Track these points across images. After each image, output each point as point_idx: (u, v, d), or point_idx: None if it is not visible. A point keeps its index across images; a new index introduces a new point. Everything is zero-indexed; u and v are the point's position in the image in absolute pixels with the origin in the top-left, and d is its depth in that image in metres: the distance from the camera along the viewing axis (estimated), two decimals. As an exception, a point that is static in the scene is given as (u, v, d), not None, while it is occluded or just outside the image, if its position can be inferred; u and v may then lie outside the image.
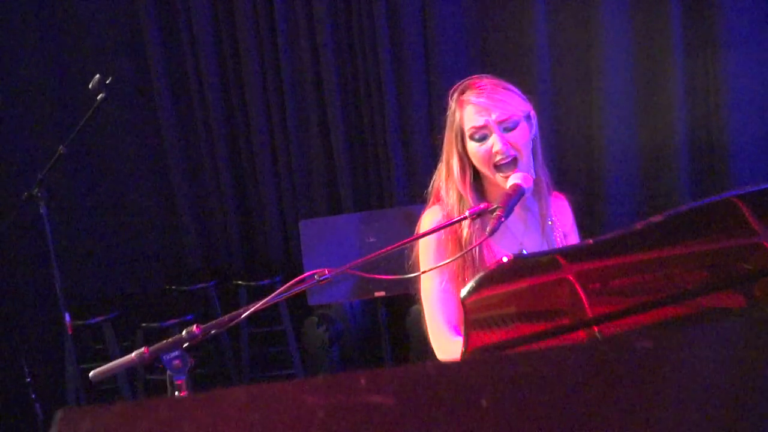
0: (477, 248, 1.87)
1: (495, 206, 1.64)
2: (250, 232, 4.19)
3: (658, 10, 3.28)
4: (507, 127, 1.81)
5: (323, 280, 1.65)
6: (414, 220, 3.14)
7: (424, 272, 1.79)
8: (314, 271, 1.68)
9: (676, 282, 1.54)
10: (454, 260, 1.68)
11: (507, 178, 1.78)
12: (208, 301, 3.87)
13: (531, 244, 1.95)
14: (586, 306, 1.42)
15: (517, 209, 1.92)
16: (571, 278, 1.43)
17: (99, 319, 3.50)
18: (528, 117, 1.87)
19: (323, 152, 3.93)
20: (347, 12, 3.73)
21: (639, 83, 3.41)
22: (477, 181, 1.92)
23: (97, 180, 4.08)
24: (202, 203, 4.18)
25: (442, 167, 1.97)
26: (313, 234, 3.15)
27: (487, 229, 1.59)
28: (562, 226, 2.01)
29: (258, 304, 1.67)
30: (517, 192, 1.71)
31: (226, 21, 3.91)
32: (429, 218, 1.95)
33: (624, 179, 3.50)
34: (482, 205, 1.66)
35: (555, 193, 2.05)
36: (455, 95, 1.89)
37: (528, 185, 1.74)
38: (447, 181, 1.94)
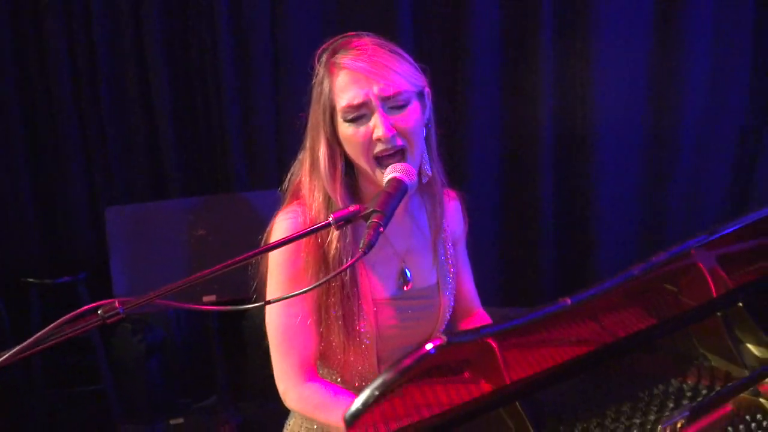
0: (348, 272, 1.40)
1: (370, 209, 1.17)
2: (49, 219, 3.41)
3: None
4: (394, 105, 1.33)
5: (111, 317, 1.10)
6: (255, 209, 2.64)
7: (269, 302, 1.27)
8: (101, 302, 1.12)
9: (600, 324, 1.19)
10: (312, 288, 1.18)
11: None
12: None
13: (416, 260, 1.51)
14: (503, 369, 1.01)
15: (399, 215, 1.47)
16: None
17: None
18: (421, 94, 1.40)
19: (144, 125, 3.27)
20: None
21: (507, 69, 3.13)
22: (350, 176, 1.44)
23: None
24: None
25: (305, 156, 1.45)
26: (124, 224, 2.52)
27: (362, 242, 1.12)
28: (452, 230, 1.60)
29: (4, 356, 1.09)
30: (398, 189, 1.26)
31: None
32: (283, 224, 1.43)
33: (487, 168, 3.22)
34: (352, 208, 1.18)
35: (447, 190, 1.60)
36: (324, 57, 1.38)
37: (411, 179, 1.29)
38: (311, 175, 1.43)
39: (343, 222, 1.17)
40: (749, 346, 1.33)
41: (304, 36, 3.05)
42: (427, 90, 1.42)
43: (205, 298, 2.54)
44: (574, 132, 3.16)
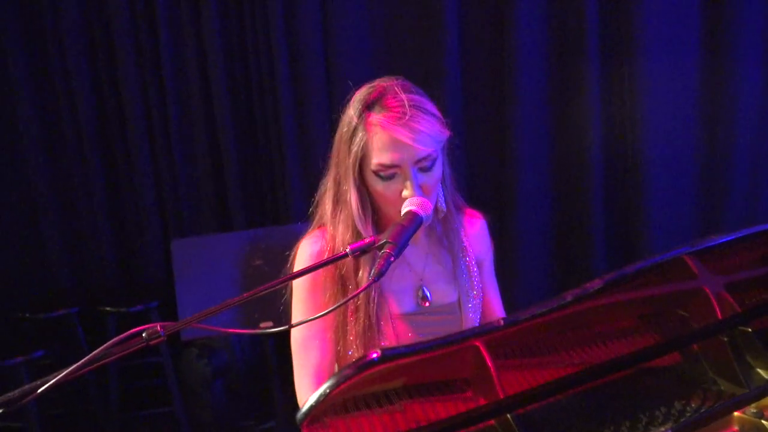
0: (366, 290, 1.51)
1: (383, 241, 1.28)
2: (126, 250, 3.69)
3: (574, 11, 3.05)
4: (424, 166, 1.44)
5: (153, 339, 1.24)
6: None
7: (291, 326, 1.40)
8: (144, 327, 1.26)
9: (606, 341, 1.26)
10: (328, 312, 1.30)
11: None
12: (70, 331, 3.34)
13: (435, 279, 1.61)
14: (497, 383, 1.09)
15: (417, 237, 1.59)
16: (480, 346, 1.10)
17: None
18: (444, 147, 1.51)
19: (211, 162, 3.51)
20: (238, 10, 3.31)
21: (553, 89, 3.18)
22: (373, 209, 1.55)
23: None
24: (69, 215, 3.65)
25: (329, 188, 1.58)
26: (188, 255, 2.72)
27: (372, 270, 1.23)
28: (477, 252, 1.69)
29: (61, 375, 1.24)
30: (413, 222, 1.36)
31: (97, 22, 3.41)
32: (306, 250, 1.58)
33: (536, 189, 3.27)
34: (368, 240, 1.29)
35: (469, 211, 1.71)
36: (360, 108, 1.47)
37: (426, 212, 1.40)
38: (335, 207, 1.56)
39: (359, 252, 1.29)
40: (759, 371, 1.35)
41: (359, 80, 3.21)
42: (449, 136, 1.53)
43: (263, 324, 2.70)
44: (625, 155, 3.17)
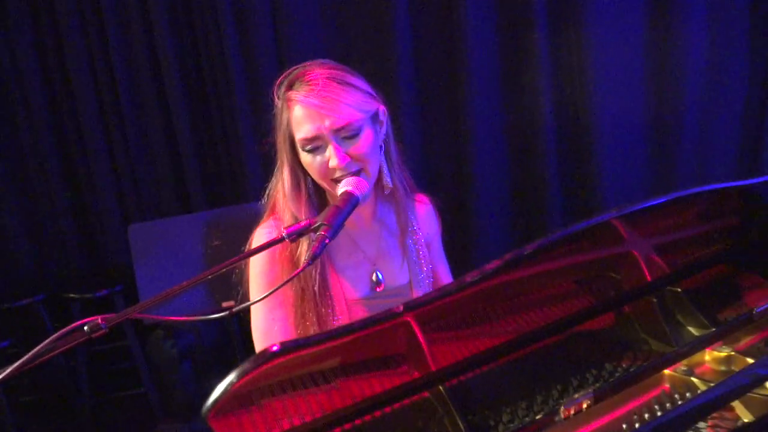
0: (317, 274, 1.55)
1: (318, 223, 1.30)
2: (88, 236, 3.67)
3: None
4: (346, 135, 1.45)
5: (95, 332, 1.25)
6: (264, 219, 2.81)
7: (232, 313, 1.41)
8: (86, 320, 1.27)
9: (538, 308, 1.30)
10: (269, 294, 1.32)
11: None
12: (35, 319, 3.33)
13: (387, 263, 1.64)
14: (428, 356, 1.13)
15: (367, 222, 1.64)
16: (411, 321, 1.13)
17: None
18: (374, 117, 1.52)
19: (166, 143, 3.49)
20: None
21: (504, 59, 3.19)
22: (319, 192, 1.58)
23: None
24: (28, 204, 3.62)
25: (278, 176, 1.60)
26: (146, 239, 2.72)
27: (307, 253, 1.25)
28: (426, 233, 1.72)
29: (5, 372, 1.25)
30: (348, 203, 1.38)
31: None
32: (260, 239, 1.59)
33: (492, 164, 3.30)
34: (303, 223, 1.31)
35: (419, 195, 1.74)
36: (282, 89, 1.50)
37: (361, 191, 1.42)
38: (281, 194, 1.58)
39: (295, 235, 1.31)
40: (690, 329, 1.41)
41: (309, 45, 3.19)
42: (381, 110, 1.55)
43: (224, 304, 2.72)
44: (576, 118, 3.21)
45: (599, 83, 3.11)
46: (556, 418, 1.06)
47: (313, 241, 1.28)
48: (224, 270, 1.32)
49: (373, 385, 1.14)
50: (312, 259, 1.25)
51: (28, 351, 1.24)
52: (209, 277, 1.27)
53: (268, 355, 0.84)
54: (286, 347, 0.85)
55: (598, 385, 1.22)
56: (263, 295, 1.25)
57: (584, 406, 1.09)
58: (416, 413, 1.15)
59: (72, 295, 3.30)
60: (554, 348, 1.31)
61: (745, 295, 1.47)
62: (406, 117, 3.18)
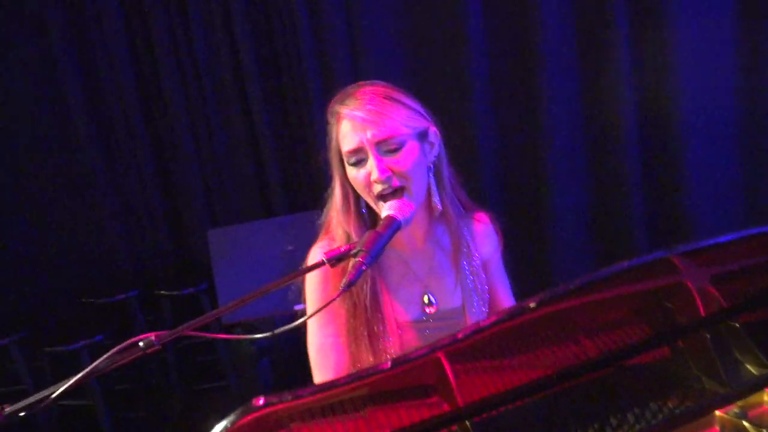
0: (369, 292, 1.58)
1: (357, 249, 1.32)
2: (178, 237, 3.89)
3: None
4: (388, 148, 1.46)
5: (151, 348, 1.33)
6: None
7: (278, 331, 1.46)
8: (141, 337, 1.36)
9: (579, 340, 1.26)
10: (309, 317, 1.36)
11: None
12: (129, 315, 3.56)
13: (439, 284, 1.64)
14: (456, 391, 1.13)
15: (420, 243, 1.65)
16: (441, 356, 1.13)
17: (5, 341, 3.20)
18: (421, 135, 1.52)
19: (249, 153, 3.64)
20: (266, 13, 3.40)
21: (582, 62, 3.10)
22: (371, 209, 1.59)
23: (4, 183, 3.73)
24: (127, 206, 3.88)
25: (330, 193, 1.64)
26: (223, 244, 2.85)
27: (344, 280, 1.28)
28: (483, 253, 1.70)
29: (70, 382, 1.35)
30: (390, 227, 1.40)
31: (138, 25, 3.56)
32: (315, 257, 1.64)
33: (571, 170, 3.22)
34: (343, 248, 1.34)
35: (478, 214, 1.72)
36: (334, 106, 1.54)
37: (404, 215, 1.43)
38: (332, 211, 1.62)
39: (334, 260, 1.34)
40: (748, 366, 1.32)
41: (385, 68, 3.22)
42: (432, 130, 1.55)
43: (296, 307, 2.81)
44: (661, 126, 3.06)
45: (685, 82, 2.96)
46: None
47: (350, 268, 1.30)
48: (282, 285, 1.39)
49: (402, 416, 1.15)
50: (347, 286, 1.28)
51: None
52: (269, 290, 1.33)
53: (249, 408, 0.87)
54: (270, 401, 0.88)
55: (639, 426, 1.18)
56: (306, 316, 1.29)
57: (612, 451, 1.05)
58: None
59: (162, 292, 3.50)
60: (595, 384, 1.27)
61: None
62: (480, 122, 3.15)
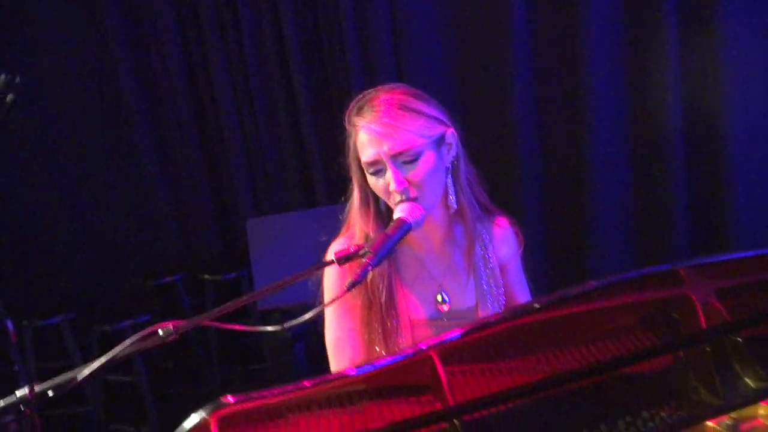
0: (384, 292, 1.63)
1: (365, 249, 1.38)
2: (224, 224, 4.04)
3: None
4: (405, 160, 1.50)
5: (169, 337, 1.42)
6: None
7: (288, 325, 1.53)
8: (160, 325, 1.44)
9: (575, 346, 1.28)
10: (319, 310, 1.42)
11: None
12: (174, 297, 3.72)
13: (454, 284, 1.68)
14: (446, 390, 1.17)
15: (437, 243, 1.69)
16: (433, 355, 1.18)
17: (56, 319, 3.40)
18: (438, 141, 1.55)
19: (294, 144, 3.74)
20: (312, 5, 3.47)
21: (629, 63, 3.05)
22: (389, 209, 1.63)
23: (59, 166, 3.92)
24: (177, 193, 4.04)
25: (350, 194, 1.70)
26: (262, 233, 2.95)
27: (348, 281, 1.34)
28: (501, 256, 1.73)
29: (95, 365, 1.45)
30: (399, 230, 1.44)
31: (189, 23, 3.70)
32: (331, 254, 1.69)
33: (612, 168, 3.17)
34: (352, 248, 1.40)
35: (499, 219, 1.75)
36: (352, 115, 1.58)
37: (414, 218, 1.47)
38: (352, 210, 1.69)
39: (344, 259, 1.40)
40: (747, 380, 1.32)
41: (427, 63, 3.24)
42: (450, 132, 1.58)
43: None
44: (708, 129, 2.98)
45: (734, 86, 2.87)
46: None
47: (357, 267, 1.36)
48: (301, 278, 1.46)
49: (394, 412, 1.20)
50: (351, 286, 1.33)
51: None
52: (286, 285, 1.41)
53: (219, 405, 0.94)
54: (239, 399, 0.94)
55: (630, 432, 1.20)
56: (314, 310, 1.36)
57: (589, 458, 1.08)
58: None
59: (206, 277, 3.64)
60: (589, 390, 1.29)
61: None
62: (521, 120, 3.14)
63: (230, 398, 0.97)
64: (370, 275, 1.63)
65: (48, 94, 3.68)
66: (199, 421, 0.96)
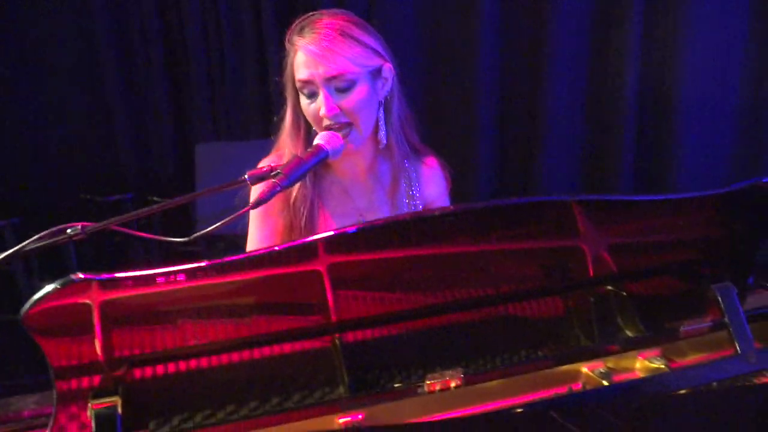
0: (305, 215, 1.66)
1: (278, 170, 1.39)
2: (184, 149, 4.00)
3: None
4: (339, 87, 1.51)
5: (76, 236, 1.43)
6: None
7: (200, 234, 1.54)
8: (71, 225, 1.45)
9: (467, 283, 1.32)
10: (225, 222, 1.43)
11: None
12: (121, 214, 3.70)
13: (375, 216, 1.71)
14: (331, 307, 1.21)
15: (361, 174, 1.71)
16: (323, 271, 1.22)
17: (1, 222, 3.39)
18: (374, 73, 1.56)
19: (258, 76, 3.69)
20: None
21: (594, 18, 3.04)
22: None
23: (18, 77, 3.84)
24: (137, 116, 3.98)
25: (283, 114, 1.70)
26: (210, 159, 2.94)
27: (252, 199, 1.36)
28: (426, 195, 1.76)
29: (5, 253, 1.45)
30: (315, 156, 1.46)
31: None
32: None
33: (567, 129, 3.20)
34: (266, 168, 1.41)
35: (429, 159, 1.77)
36: (293, 34, 1.58)
37: (332, 146, 1.48)
38: (284, 133, 1.69)
39: (255, 178, 1.42)
40: (628, 333, 1.38)
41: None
42: (387, 66, 1.59)
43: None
44: (661, 94, 3.03)
45: (691, 63, 2.91)
46: (419, 390, 1.12)
47: (264, 186, 1.37)
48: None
49: (281, 324, 1.23)
50: (255, 204, 1.35)
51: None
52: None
53: (68, 281, 0.96)
54: (87, 280, 0.96)
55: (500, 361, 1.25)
56: (224, 220, 1.36)
57: (452, 384, 1.13)
58: (313, 359, 1.24)
59: (155, 198, 3.63)
60: (475, 326, 1.34)
61: (704, 310, 1.41)
62: (483, 88, 3.12)
63: (81, 275, 0.99)
64: (293, 197, 1.67)
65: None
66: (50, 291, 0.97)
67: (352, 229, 1.20)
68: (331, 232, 1.21)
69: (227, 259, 1.11)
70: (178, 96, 3.95)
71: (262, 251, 1.22)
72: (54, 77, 3.85)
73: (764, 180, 1.25)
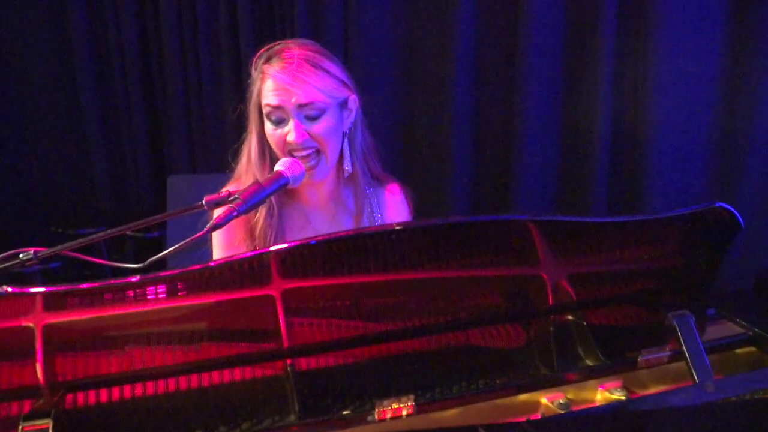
0: (272, 239, 1.67)
1: (236, 196, 1.38)
2: (160, 183, 3.97)
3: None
4: (309, 115, 1.54)
5: (29, 261, 1.41)
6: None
7: (153, 259, 1.52)
8: (21, 250, 1.43)
9: (435, 306, 1.30)
10: (182, 246, 1.41)
11: None
12: (95, 248, 3.66)
13: None
14: (284, 333, 1.19)
15: (324, 201, 1.72)
16: (276, 296, 1.20)
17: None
18: (342, 105, 1.60)
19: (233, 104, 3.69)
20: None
21: (566, 65, 3.08)
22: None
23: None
24: (115, 146, 3.95)
25: (245, 146, 1.71)
26: (181, 191, 2.91)
27: (209, 223, 1.34)
28: (388, 221, 1.76)
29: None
30: (274, 182, 1.45)
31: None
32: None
33: (539, 167, 3.21)
34: (224, 193, 1.40)
35: (391, 186, 1.79)
36: (260, 62, 1.61)
37: (293, 173, 1.48)
38: (247, 163, 1.69)
39: (213, 204, 1.41)
40: (588, 362, 1.36)
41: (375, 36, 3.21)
42: (352, 97, 1.62)
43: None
44: (633, 133, 3.04)
45: (663, 95, 2.92)
46: (369, 418, 1.09)
47: (221, 211, 1.36)
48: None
49: (232, 350, 1.21)
50: (212, 229, 1.33)
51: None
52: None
53: None
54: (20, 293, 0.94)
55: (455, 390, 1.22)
56: (177, 246, 1.35)
57: (403, 412, 1.10)
58: (263, 386, 1.21)
59: (128, 233, 3.59)
60: (432, 354, 1.31)
61: (663, 339, 1.40)
62: (458, 103, 3.12)
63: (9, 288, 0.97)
64: (258, 228, 1.66)
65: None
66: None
67: (295, 244, 1.19)
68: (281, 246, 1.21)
69: (178, 270, 1.10)
70: (155, 128, 3.94)
71: (216, 262, 1.20)
72: (31, 105, 3.83)
73: (718, 204, 1.26)
